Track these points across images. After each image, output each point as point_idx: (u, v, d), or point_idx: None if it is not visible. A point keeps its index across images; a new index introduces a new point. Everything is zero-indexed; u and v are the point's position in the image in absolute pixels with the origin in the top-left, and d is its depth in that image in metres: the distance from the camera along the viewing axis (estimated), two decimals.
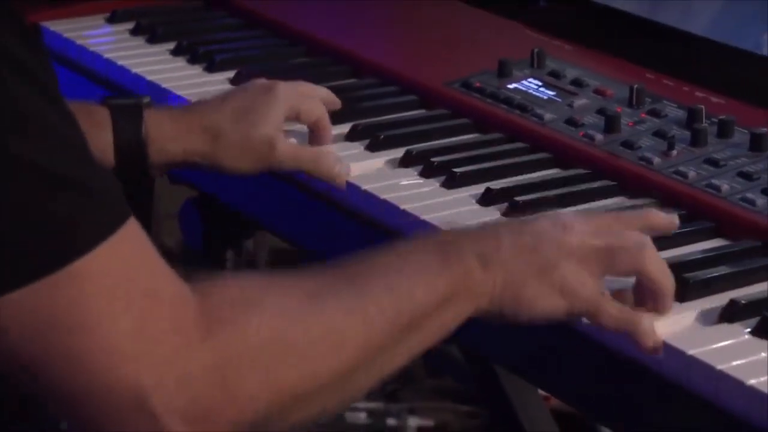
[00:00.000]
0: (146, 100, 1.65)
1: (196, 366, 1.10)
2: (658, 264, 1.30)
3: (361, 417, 2.94)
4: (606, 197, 1.55)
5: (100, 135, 1.58)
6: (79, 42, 2.00)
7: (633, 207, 1.50)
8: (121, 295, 1.09)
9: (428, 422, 2.94)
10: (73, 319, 1.07)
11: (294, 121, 1.68)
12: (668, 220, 1.37)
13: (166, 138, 1.62)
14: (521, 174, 1.60)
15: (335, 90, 1.76)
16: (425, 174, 1.61)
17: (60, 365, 1.08)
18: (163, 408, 1.09)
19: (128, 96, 1.70)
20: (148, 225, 2.15)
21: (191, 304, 1.13)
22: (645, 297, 1.30)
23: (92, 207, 1.09)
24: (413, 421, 2.94)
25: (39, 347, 1.07)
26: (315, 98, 1.70)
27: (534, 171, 1.62)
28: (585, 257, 1.28)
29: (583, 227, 1.30)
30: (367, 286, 1.21)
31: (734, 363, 1.23)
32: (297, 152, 1.65)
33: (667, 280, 1.30)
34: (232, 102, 1.65)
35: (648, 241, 1.30)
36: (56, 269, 1.06)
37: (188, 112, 1.67)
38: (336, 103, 1.74)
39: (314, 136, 1.70)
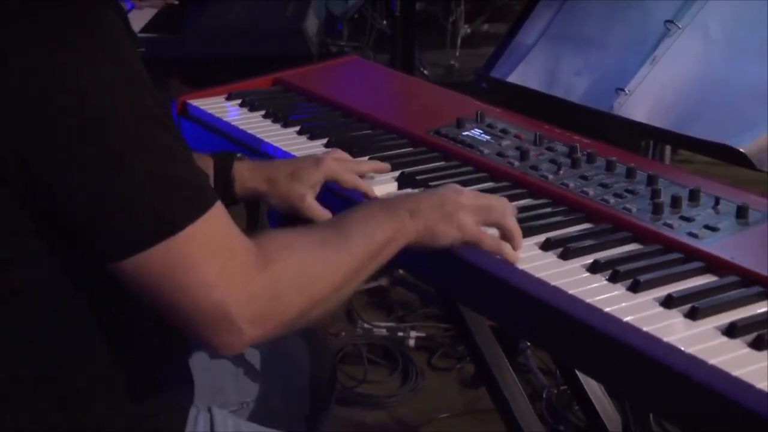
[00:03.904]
0: (239, 155, 1.56)
1: (258, 289, 1.10)
2: (512, 220, 1.30)
3: (383, 331, 2.89)
4: (520, 199, 1.49)
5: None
6: (209, 111, 1.94)
7: (535, 205, 1.46)
8: (211, 249, 1.08)
9: (422, 334, 2.89)
10: (181, 265, 1.07)
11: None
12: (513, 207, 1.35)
13: (245, 182, 1.53)
14: (471, 185, 1.53)
15: (359, 138, 1.70)
16: (412, 186, 1.54)
17: (176, 294, 1.07)
18: (239, 316, 1.08)
19: (229, 152, 1.59)
20: (256, 217, 2.08)
21: (252, 251, 1.12)
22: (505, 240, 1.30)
23: (194, 195, 1.09)
24: (413, 334, 2.88)
25: (164, 283, 1.07)
26: (351, 172, 1.52)
27: (478, 183, 1.56)
28: (471, 210, 1.29)
29: (469, 194, 1.32)
30: (349, 234, 1.21)
31: (598, 298, 1.19)
32: (316, 209, 1.49)
33: (517, 231, 1.30)
34: (290, 164, 1.53)
35: (509, 207, 1.31)
36: (172, 235, 1.06)
37: (262, 166, 1.55)
38: (382, 167, 1.57)
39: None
